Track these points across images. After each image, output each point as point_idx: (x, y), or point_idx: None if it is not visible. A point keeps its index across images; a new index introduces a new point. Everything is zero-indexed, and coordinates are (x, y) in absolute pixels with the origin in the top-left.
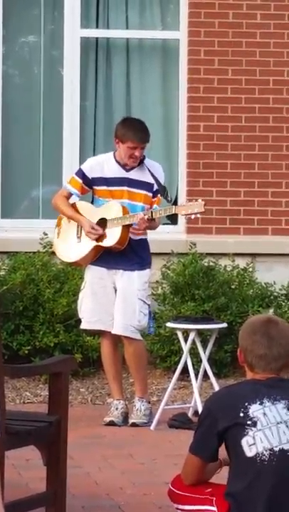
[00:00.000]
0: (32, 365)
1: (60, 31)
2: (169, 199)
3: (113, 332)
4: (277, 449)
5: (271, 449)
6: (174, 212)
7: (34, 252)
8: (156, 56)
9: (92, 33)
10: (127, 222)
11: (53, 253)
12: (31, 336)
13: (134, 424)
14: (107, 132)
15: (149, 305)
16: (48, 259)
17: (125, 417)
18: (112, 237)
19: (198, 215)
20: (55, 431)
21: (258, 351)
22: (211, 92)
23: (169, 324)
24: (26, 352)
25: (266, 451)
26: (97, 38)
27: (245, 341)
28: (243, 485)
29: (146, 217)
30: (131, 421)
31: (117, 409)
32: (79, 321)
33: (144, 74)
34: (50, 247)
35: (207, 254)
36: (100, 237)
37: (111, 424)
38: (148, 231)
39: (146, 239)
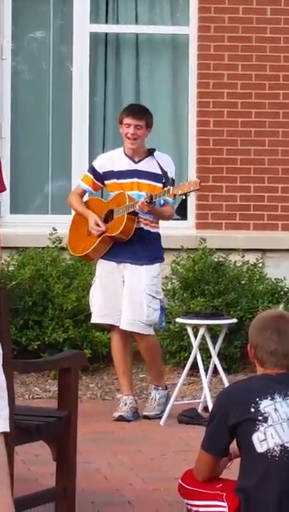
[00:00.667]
0: (41, 360)
1: (69, 27)
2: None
3: (121, 327)
4: (288, 445)
5: (282, 445)
6: (171, 193)
7: (43, 248)
8: (166, 51)
9: (102, 28)
10: (131, 210)
11: (62, 248)
12: (40, 332)
13: (146, 417)
14: (116, 128)
15: (160, 299)
16: (57, 254)
17: (134, 412)
18: (116, 227)
19: (194, 193)
20: (65, 426)
21: (268, 347)
22: (221, 88)
23: (179, 320)
24: (35, 347)
25: (277, 446)
26: (106, 34)
27: (255, 337)
28: (254, 480)
29: (144, 199)
30: (143, 413)
31: (126, 404)
32: (88, 317)
33: (153, 69)
34: (60, 243)
35: (217, 249)
36: (106, 230)
37: (120, 419)
38: (161, 224)
39: (158, 232)
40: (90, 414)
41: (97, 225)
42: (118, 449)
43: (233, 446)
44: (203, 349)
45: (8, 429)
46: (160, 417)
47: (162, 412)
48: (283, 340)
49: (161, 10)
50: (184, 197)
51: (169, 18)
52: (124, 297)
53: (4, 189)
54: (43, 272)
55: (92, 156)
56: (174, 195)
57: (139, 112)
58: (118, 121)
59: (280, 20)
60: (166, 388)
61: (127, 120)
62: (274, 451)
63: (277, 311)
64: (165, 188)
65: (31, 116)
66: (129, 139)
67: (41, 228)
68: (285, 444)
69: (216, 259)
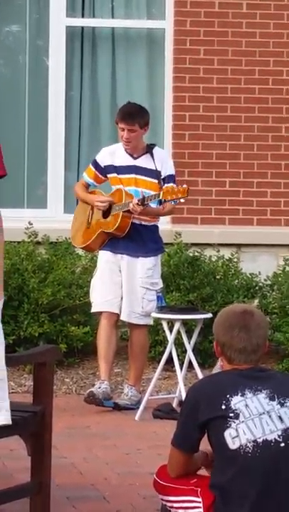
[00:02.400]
0: (16, 354)
1: (46, 20)
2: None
3: (121, 318)
4: (260, 440)
5: (255, 441)
6: (161, 197)
7: (19, 242)
8: (142, 46)
9: (78, 22)
10: (125, 209)
11: (38, 243)
12: (16, 326)
13: (117, 405)
14: (92, 121)
15: (156, 290)
16: (33, 248)
17: (105, 397)
18: (112, 224)
19: (182, 200)
20: (40, 421)
21: (237, 345)
22: (197, 82)
23: (154, 314)
24: (11, 342)
25: (250, 443)
26: (82, 27)
27: (223, 336)
28: (228, 477)
29: (136, 200)
30: (115, 401)
31: (100, 387)
32: (63, 311)
33: (129, 63)
34: (35, 237)
35: (192, 244)
36: (104, 223)
37: (90, 395)
38: (161, 218)
39: (155, 225)
40: (65, 408)
41: (99, 200)
42: (93, 443)
43: (209, 448)
44: (179, 344)
45: (10, 422)
46: (130, 409)
47: (132, 405)
48: (252, 337)
49: (138, 4)
50: (172, 202)
51: (145, 12)
52: (123, 289)
53: (5, 173)
54: (18, 266)
55: (67, 150)
56: (164, 200)
57: (131, 116)
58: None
59: (256, 15)
60: (139, 393)
61: (121, 124)
62: (246, 447)
63: (240, 306)
64: (155, 193)
65: (7, 109)
66: (124, 141)
67: (17, 222)
68: (258, 440)
69: (191, 254)
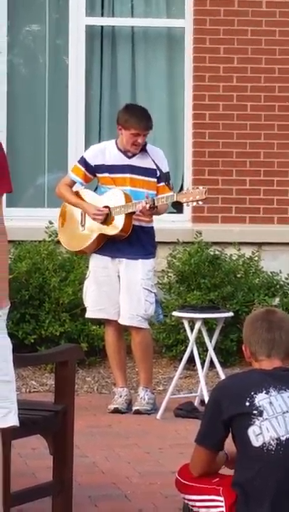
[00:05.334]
0: (38, 354)
1: (65, 20)
2: (171, 187)
3: (120, 322)
4: (284, 438)
5: (278, 439)
6: (175, 199)
7: (40, 241)
8: (162, 44)
9: (97, 21)
10: (130, 210)
11: (59, 242)
12: (37, 325)
13: (137, 411)
14: (112, 120)
15: (155, 293)
16: (54, 248)
17: (129, 403)
18: (115, 226)
19: (200, 203)
20: (62, 420)
21: (259, 336)
22: (217, 81)
23: (175, 313)
24: (32, 341)
25: (273, 440)
26: (102, 27)
27: (247, 332)
28: (250, 475)
29: (147, 206)
30: (134, 408)
31: (121, 396)
32: (85, 310)
33: (149, 62)
34: (56, 236)
35: (213, 243)
36: (104, 225)
37: (116, 411)
38: (154, 217)
39: (152, 227)
40: (87, 407)
41: (98, 210)
42: (115, 442)
43: (231, 447)
44: (200, 343)
45: (18, 424)
46: (151, 413)
47: (152, 409)
48: (273, 328)
49: (157, 3)
50: (186, 205)
51: (164, 11)
52: (122, 292)
53: (11, 190)
54: (39, 265)
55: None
56: (178, 202)
57: (148, 122)
58: (120, 123)
59: (276, 13)
60: (153, 393)
61: (136, 130)
62: (270, 445)
63: (265, 308)
64: (168, 194)
65: (27, 109)
66: (135, 146)
67: (37, 222)
68: (281, 438)
69: (212, 253)
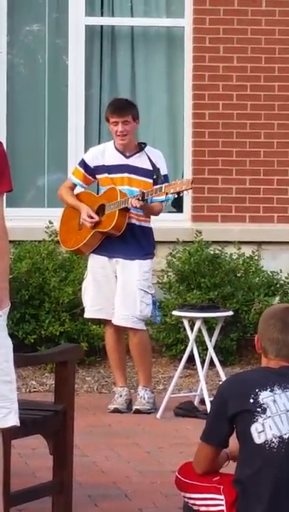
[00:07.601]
0: (38, 354)
1: (65, 19)
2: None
3: (114, 323)
4: (286, 436)
5: (280, 437)
6: (163, 191)
7: (39, 241)
8: (161, 44)
9: (97, 20)
10: (122, 206)
11: (58, 242)
12: (37, 325)
13: (137, 411)
14: None
15: (152, 294)
16: (54, 247)
17: (129, 403)
18: (108, 222)
19: (187, 192)
20: (61, 420)
21: (270, 335)
22: (216, 80)
23: (175, 312)
24: (32, 341)
25: (275, 438)
26: (101, 26)
27: (261, 326)
28: (252, 471)
29: (136, 197)
30: (134, 407)
31: (121, 396)
32: (84, 310)
33: (149, 62)
34: (56, 236)
35: (213, 242)
36: (98, 224)
37: (116, 411)
38: (152, 218)
39: (150, 227)
40: (87, 407)
41: (90, 216)
42: (115, 442)
43: (231, 447)
44: (200, 342)
45: (18, 424)
46: (151, 413)
47: (152, 409)
48: (286, 330)
49: (157, 2)
50: (175, 195)
51: (164, 10)
52: (117, 293)
53: (11, 189)
54: (39, 265)
55: (88, 149)
56: (166, 194)
57: (124, 108)
58: (105, 119)
59: (275, 12)
60: (152, 392)
61: (113, 118)
62: (272, 443)
63: (285, 304)
64: (157, 186)
65: (27, 109)
66: (119, 136)
67: (37, 222)
68: (283, 436)
69: (211, 252)
